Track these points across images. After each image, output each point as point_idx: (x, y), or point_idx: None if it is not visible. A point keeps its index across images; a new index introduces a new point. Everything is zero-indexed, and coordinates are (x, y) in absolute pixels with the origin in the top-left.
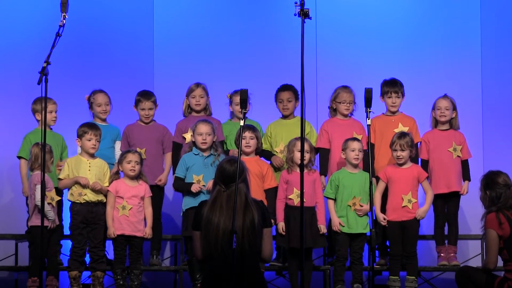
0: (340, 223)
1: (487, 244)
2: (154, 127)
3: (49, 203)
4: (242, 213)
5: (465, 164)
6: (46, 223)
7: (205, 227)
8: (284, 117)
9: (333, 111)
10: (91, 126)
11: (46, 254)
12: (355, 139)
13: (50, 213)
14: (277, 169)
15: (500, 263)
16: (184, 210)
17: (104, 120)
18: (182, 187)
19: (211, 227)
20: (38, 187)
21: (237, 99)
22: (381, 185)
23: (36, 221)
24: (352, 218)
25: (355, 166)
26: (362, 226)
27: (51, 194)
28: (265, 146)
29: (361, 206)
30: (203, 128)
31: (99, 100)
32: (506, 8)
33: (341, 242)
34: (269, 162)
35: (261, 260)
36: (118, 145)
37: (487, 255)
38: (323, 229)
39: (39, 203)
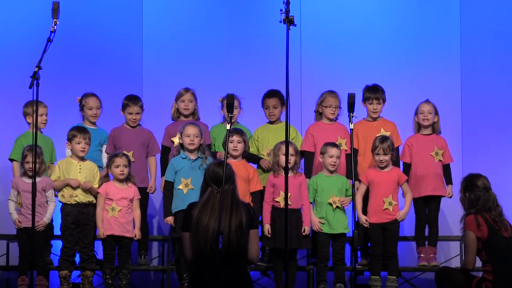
0: (320, 222)
1: (466, 245)
2: (140, 131)
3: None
4: (230, 214)
5: (447, 168)
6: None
7: (195, 228)
8: (271, 122)
9: (319, 115)
10: (80, 130)
11: (33, 254)
12: (334, 145)
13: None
14: (265, 171)
15: (478, 263)
16: (173, 213)
17: (93, 123)
18: (165, 200)
19: (201, 227)
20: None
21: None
22: (362, 188)
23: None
24: (332, 219)
25: (331, 171)
26: (342, 226)
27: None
28: (252, 149)
29: (341, 200)
30: (191, 130)
31: (91, 104)
32: (485, 15)
33: (322, 243)
34: (255, 166)
35: (248, 261)
36: (105, 148)
37: (465, 256)
38: (306, 230)
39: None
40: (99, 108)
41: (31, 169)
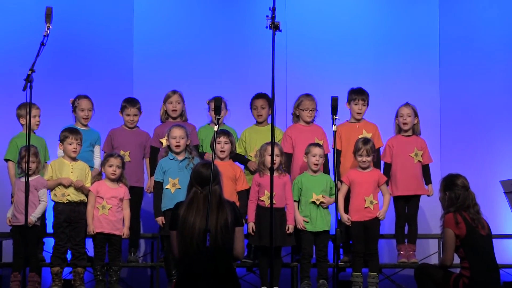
0: (304, 220)
1: (445, 242)
2: (137, 132)
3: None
4: (216, 213)
5: (426, 169)
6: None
7: (181, 226)
8: (258, 123)
9: (296, 117)
10: (72, 131)
11: (27, 252)
12: (317, 144)
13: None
14: (253, 172)
15: (456, 260)
16: (162, 211)
17: (85, 125)
18: (155, 200)
19: (187, 226)
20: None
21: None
22: (344, 188)
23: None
24: (315, 217)
25: (315, 170)
26: (325, 224)
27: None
28: (240, 150)
29: (324, 197)
30: (177, 131)
31: (83, 105)
32: (463, 23)
33: (306, 240)
34: (242, 166)
35: (233, 257)
36: (97, 149)
37: (444, 253)
38: (290, 228)
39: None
40: (91, 110)
41: (30, 168)
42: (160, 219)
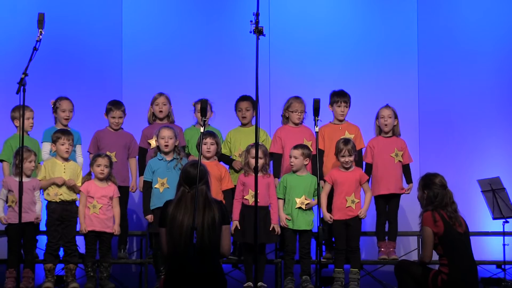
0: (286, 219)
1: (423, 240)
2: (122, 134)
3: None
4: (204, 211)
5: (406, 168)
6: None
7: (170, 224)
8: (243, 125)
9: (286, 119)
10: (64, 132)
11: (24, 249)
12: (299, 146)
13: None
14: (237, 171)
15: (435, 257)
16: (151, 210)
17: (65, 125)
18: (144, 199)
19: (176, 223)
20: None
21: (199, 107)
22: (327, 187)
23: (12, 219)
24: (298, 216)
25: (295, 171)
26: (307, 223)
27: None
28: (225, 151)
29: (307, 200)
30: (165, 132)
31: (64, 106)
32: (440, 25)
33: (289, 238)
34: (227, 166)
35: (220, 254)
36: (78, 148)
37: (423, 250)
38: (276, 228)
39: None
40: (71, 111)
41: (28, 169)
42: (150, 217)
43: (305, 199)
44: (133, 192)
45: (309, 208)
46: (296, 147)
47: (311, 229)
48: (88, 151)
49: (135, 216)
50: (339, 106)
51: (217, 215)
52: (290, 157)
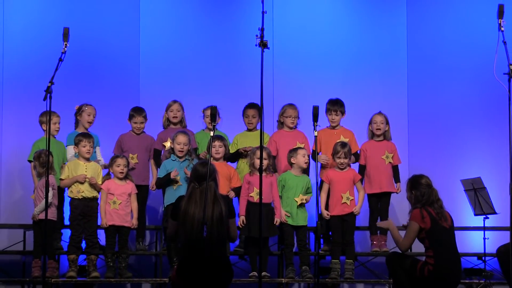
0: (286, 215)
1: (407, 231)
2: (143, 137)
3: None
4: (212, 206)
5: (395, 169)
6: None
7: (183, 218)
8: (249, 130)
9: (281, 124)
10: (85, 135)
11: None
12: (300, 148)
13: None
14: (246, 155)
15: (421, 249)
16: (165, 206)
17: (86, 128)
18: (162, 180)
19: (188, 217)
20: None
21: (208, 113)
22: (325, 187)
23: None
24: (295, 212)
25: (303, 170)
26: (303, 219)
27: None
28: (233, 151)
29: (304, 198)
30: (181, 139)
31: (90, 111)
32: (429, 37)
33: (287, 232)
34: (234, 165)
35: (229, 239)
36: (98, 150)
37: (404, 239)
38: (278, 221)
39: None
40: (95, 116)
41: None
42: (174, 173)
43: (303, 196)
44: (153, 190)
45: (304, 203)
46: (299, 148)
47: (306, 224)
48: (113, 153)
49: (152, 212)
50: (330, 115)
51: (224, 210)
52: (304, 156)
